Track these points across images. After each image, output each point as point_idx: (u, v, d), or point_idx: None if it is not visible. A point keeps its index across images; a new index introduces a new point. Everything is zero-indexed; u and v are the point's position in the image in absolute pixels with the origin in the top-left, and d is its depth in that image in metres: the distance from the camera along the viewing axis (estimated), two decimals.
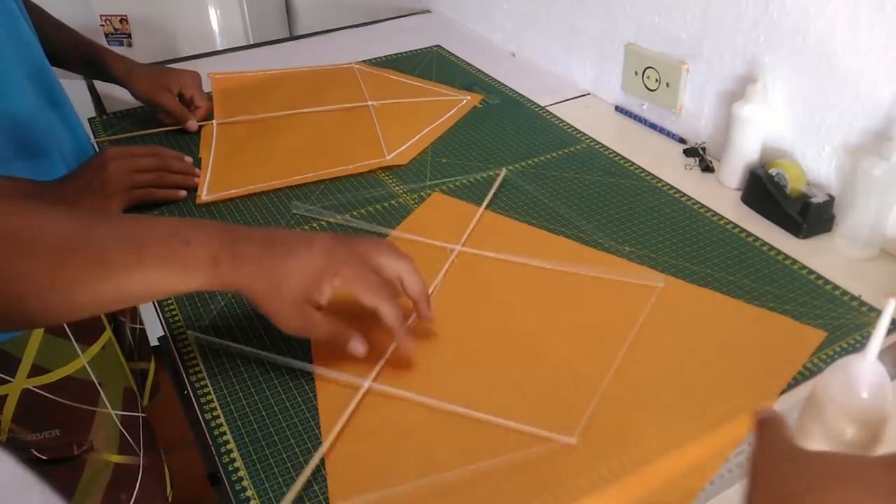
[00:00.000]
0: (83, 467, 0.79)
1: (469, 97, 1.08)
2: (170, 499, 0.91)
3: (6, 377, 0.73)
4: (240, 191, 0.85)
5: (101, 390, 0.80)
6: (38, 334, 0.74)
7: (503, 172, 0.87)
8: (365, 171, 0.90)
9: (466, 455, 0.53)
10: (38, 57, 0.79)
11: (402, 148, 0.94)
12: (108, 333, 0.83)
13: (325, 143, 0.96)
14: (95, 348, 0.80)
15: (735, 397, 0.57)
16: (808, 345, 0.62)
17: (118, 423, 0.82)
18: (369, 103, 1.06)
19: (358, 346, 0.57)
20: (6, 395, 0.73)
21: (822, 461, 0.34)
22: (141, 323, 1.02)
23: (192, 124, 0.98)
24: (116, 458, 0.82)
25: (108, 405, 0.81)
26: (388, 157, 0.92)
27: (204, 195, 0.85)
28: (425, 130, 0.99)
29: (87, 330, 0.80)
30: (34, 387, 0.74)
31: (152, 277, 0.50)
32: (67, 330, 0.77)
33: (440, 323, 0.64)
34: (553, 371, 0.60)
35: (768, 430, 0.38)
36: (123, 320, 0.94)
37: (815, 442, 0.48)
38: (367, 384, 0.59)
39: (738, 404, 0.57)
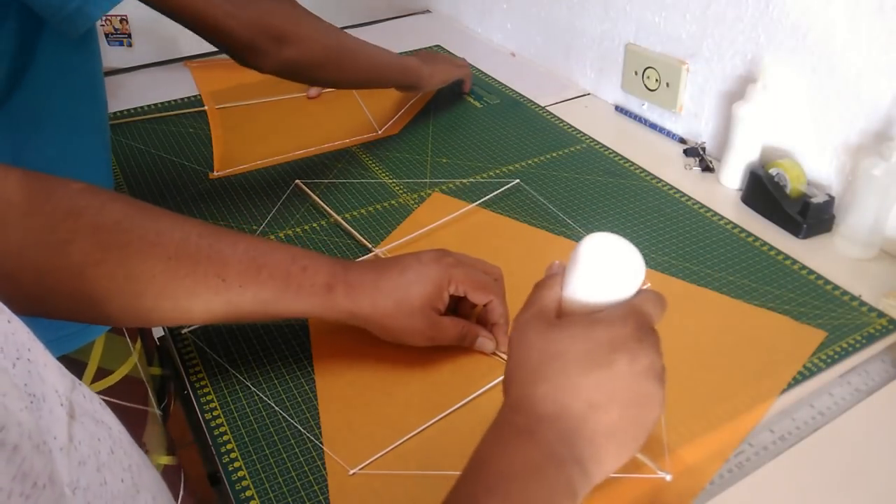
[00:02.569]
0: None
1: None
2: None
3: None
4: (247, 166, 0.92)
5: (148, 388, 0.78)
6: (102, 336, 0.73)
7: (515, 182, 0.86)
8: (365, 172, 0.90)
9: None
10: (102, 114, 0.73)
11: (391, 122, 1.01)
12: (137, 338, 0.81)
13: (318, 121, 1.04)
14: (138, 344, 0.78)
15: (735, 397, 0.57)
16: (808, 345, 0.62)
17: (160, 422, 0.80)
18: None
19: (486, 343, 0.60)
20: None
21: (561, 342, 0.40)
22: None
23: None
24: (165, 460, 0.80)
25: (153, 404, 0.79)
26: (379, 132, 0.99)
27: (216, 171, 0.91)
28: (408, 104, 1.05)
29: (133, 329, 0.78)
30: (98, 392, 0.72)
31: (265, 297, 0.52)
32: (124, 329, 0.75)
33: None
34: None
35: (536, 296, 0.44)
36: None
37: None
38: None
39: (737, 404, 0.57)
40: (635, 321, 0.41)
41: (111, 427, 0.34)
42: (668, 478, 0.51)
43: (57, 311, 0.50)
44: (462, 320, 0.60)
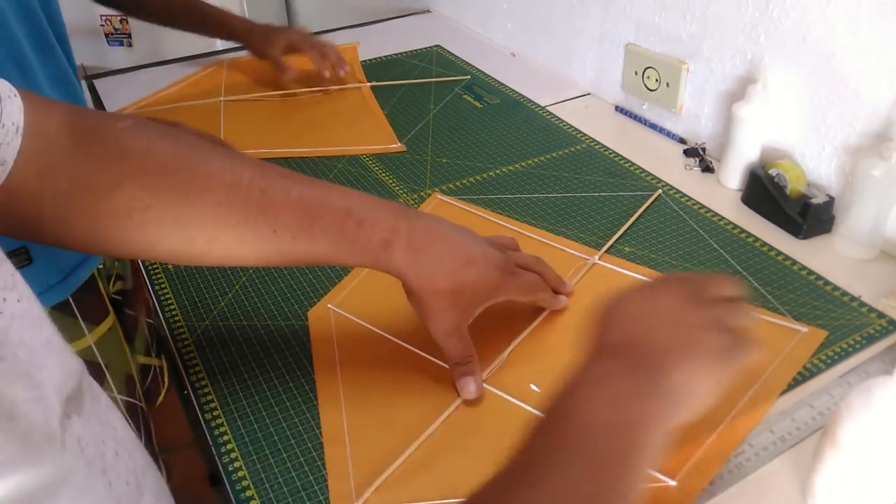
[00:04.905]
0: None
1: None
2: None
3: None
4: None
5: (107, 372, 0.79)
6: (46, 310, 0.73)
7: (657, 193, 0.83)
8: (365, 172, 0.90)
9: None
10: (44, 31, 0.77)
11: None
12: (111, 317, 0.82)
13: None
14: (102, 329, 0.79)
15: (735, 397, 0.57)
16: (808, 345, 0.62)
17: (123, 408, 0.81)
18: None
19: (471, 387, 0.57)
20: None
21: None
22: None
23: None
24: None
25: (114, 389, 0.80)
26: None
27: None
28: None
29: (92, 311, 0.79)
30: None
31: (318, 250, 0.51)
32: (74, 308, 0.76)
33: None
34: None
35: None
36: (133, 314, 0.93)
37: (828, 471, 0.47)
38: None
39: (737, 404, 0.57)
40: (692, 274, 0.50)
41: (116, 428, 0.34)
42: (674, 483, 0.51)
43: (111, 252, 0.49)
44: (472, 352, 0.57)
